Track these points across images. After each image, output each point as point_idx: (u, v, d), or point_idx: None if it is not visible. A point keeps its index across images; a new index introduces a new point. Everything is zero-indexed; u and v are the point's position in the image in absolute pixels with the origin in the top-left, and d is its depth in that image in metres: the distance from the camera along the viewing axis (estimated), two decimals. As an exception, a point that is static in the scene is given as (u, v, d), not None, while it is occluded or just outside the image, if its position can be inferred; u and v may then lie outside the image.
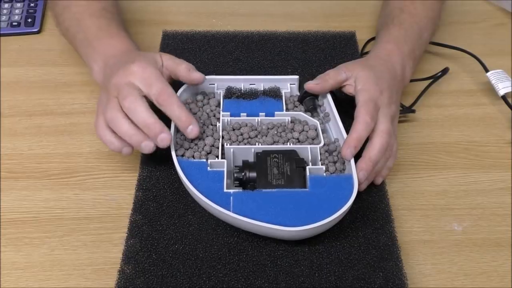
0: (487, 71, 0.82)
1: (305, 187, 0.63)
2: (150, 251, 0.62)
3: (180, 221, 0.65)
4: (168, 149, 0.65)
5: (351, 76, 0.70)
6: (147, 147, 0.64)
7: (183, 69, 0.70)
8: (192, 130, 0.65)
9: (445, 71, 0.84)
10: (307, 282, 0.60)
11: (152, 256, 0.62)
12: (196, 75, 0.70)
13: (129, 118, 0.64)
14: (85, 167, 0.72)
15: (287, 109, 0.73)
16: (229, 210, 0.61)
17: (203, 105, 0.73)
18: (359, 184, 0.63)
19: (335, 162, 0.66)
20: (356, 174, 0.63)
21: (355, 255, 0.62)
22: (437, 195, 0.71)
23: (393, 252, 0.62)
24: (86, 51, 0.76)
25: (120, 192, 0.70)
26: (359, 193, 0.63)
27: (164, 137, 0.63)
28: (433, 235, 0.66)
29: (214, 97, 0.74)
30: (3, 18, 0.92)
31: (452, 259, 0.64)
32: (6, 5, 0.94)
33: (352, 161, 0.64)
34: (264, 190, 0.63)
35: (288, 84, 0.75)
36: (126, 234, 0.64)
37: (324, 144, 0.68)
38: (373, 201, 0.68)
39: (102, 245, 0.65)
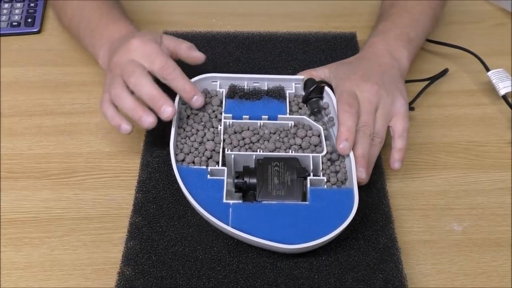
0: (488, 70, 0.82)
1: (305, 199, 0.63)
2: (149, 253, 0.62)
3: (180, 223, 0.65)
4: (169, 155, 0.66)
5: (328, 74, 0.74)
6: (146, 121, 0.65)
7: (184, 48, 0.70)
8: (197, 99, 0.68)
9: (444, 72, 0.84)
10: (307, 284, 0.60)
11: (152, 257, 0.62)
12: (197, 54, 0.70)
13: (133, 95, 0.65)
14: (85, 167, 0.72)
15: (290, 110, 0.72)
16: (228, 224, 0.61)
17: (205, 104, 0.72)
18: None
19: (337, 172, 0.66)
20: (356, 180, 0.64)
21: (355, 257, 0.62)
22: (437, 195, 0.71)
23: (393, 254, 0.62)
24: (90, 39, 0.77)
25: (120, 192, 0.70)
26: (359, 193, 0.63)
27: (167, 110, 0.64)
28: (433, 235, 0.66)
29: (217, 95, 0.73)
30: (3, 18, 0.92)
31: (452, 259, 0.64)
32: (6, 5, 0.94)
33: (354, 175, 0.64)
34: (263, 202, 0.63)
35: (293, 83, 0.74)
36: (126, 236, 0.64)
37: (327, 153, 0.67)
38: (373, 202, 0.68)
39: (102, 245, 0.65)
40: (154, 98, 0.64)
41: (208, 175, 0.65)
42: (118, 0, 0.83)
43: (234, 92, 0.73)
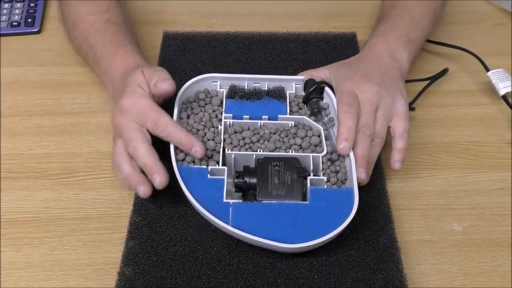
0: (488, 70, 0.82)
1: (305, 199, 0.63)
2: (149, 253, 0.62)
3: (180, 223, 0.65)
4: (170, 155, 0.65)
5: (328, 74, 0.74)
6: (140, 191, 0.64)
7: (152, 86, 0.66)
8: (196, 151, 0.64)
9: (444, 71, 0.84)
10: (307, 284, 0.60)
11: (152, 257, 0.62)
12: (163, 87, 0.66)
13: (133, 160, 0.64)
14: (85, 167, 0.72)
15: (291, 111, 0.72)
16: (228, 224, 0.61)
17: (205, 104, 0.72)
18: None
19: (337, 172, 0.66)
20: (356, 180, 0.64)
21: (355, 257, 0.62)
22: (437, 195, 0.71)
23: (393, 254, 0.62)
24: (99, 73, 0.77)
25: (120, 192, 0.70)
26: (359, 193, 0.63)
27: (156, 179, 0.63)
28: (433, 235, 0.66)
29: (217, 95, 0.73)
30: (3, 18, 0.92)
31: (452, 259, 0.64)
32: (6, 5, 0.94)
33: (354, 175, 0.64)
34: (264, 201, 0.63)
35: (293, 84, 0.74)
36: (126, 236, 0.64)
37: (327, 153, 0.67)
38: (373, 202, 0.68)
39: (102, 245, 0.65)
40: (146, 166, 0.63)
41: (209, 175, 0.65)
42: (124, 19, 0.81)
43: (234, 92, 0.73)
